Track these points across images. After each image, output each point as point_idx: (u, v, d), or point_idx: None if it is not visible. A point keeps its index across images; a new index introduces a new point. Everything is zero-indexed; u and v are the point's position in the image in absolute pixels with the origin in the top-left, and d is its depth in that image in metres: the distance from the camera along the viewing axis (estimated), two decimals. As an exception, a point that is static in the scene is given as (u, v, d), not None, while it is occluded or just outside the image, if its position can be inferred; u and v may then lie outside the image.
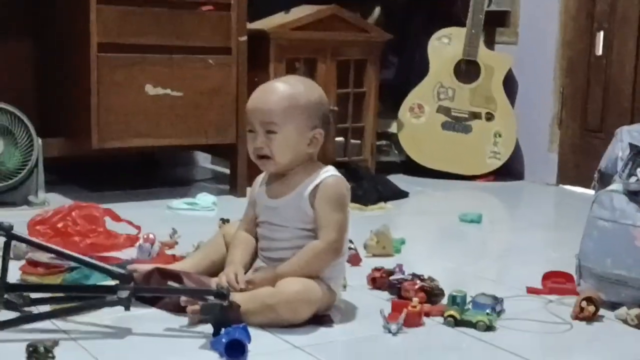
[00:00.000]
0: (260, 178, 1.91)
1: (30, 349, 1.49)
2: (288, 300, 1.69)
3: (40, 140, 2.92)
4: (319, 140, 1.81)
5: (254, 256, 1.87)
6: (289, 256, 1.78)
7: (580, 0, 3.62)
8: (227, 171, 3.32)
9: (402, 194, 3.34)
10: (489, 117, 3.82)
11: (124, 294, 1.67)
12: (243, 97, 3.08)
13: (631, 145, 2.01)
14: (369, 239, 2.39)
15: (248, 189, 1.93)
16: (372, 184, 3.26)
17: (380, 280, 2.03)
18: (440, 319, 1.81)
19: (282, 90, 1.79)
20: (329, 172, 1.81)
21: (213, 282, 1.78)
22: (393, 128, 3.97)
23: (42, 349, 1.48)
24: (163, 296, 1.81)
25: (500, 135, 3.82)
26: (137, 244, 2.26)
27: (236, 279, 1.76)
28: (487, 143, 3.82)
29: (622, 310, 1.87)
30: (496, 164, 3.82)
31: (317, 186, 1.78)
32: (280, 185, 1.83)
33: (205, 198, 2.99)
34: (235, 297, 1.69)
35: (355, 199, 3.06)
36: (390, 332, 1.73)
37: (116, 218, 2.44)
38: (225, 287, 1.68)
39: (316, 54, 3.41)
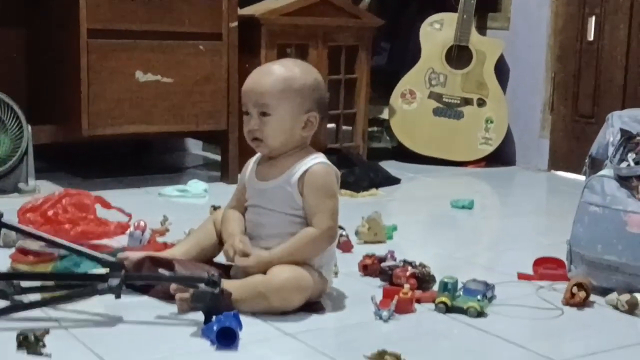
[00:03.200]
0: (252, 161, 1.90)
1: (21, 337, 1.48)
2: (279, 288, 1.69)
3: (30, 128, 2.91)
4: (314, 124, 1.81)
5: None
6: (276, 245, 1.77)
7: (572, -15, 3.62)
8: (219, 158, 3.31)
9: (394, 180, 3.34)
10: (481, 103, 3.82)
11: (114, 281, 1.67)
12: (234, 83, 3.07)
13: (622, 131, 2.01)
14: (360, 226, 2.39)
15: (239, 175, 1.93)
16: (363, 170, 3.26)
17: (371, 267, 2.04)
18: (432, 306, 1.81)
19: (278, 72, 1.78)
20: (318, 159, 1.80)
21: (207, 268, 1.79)
22: (385, 114, 3.96)
23: (32, 337, 1.48)
24: (154, 284, 1.81)
25: (491, 121, 3.81)
26: (128, 231, 2.26)
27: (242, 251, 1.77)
28: (479, 129, 3.82)
29: (613, 296, 1.88)
30: (488, 149, 3.82)
31: (305, 173, 1.77)
32: (270, 168, 1.82)
33: (196, 185, 2.98)
34: (227, 284, 1.69)
35: (347, 185, 3.06)
36: (381, 318, 1.73)
37: (107, 205, 2.44)
38: (217, 276, 1.68)
39: (307, 39, 3.39)
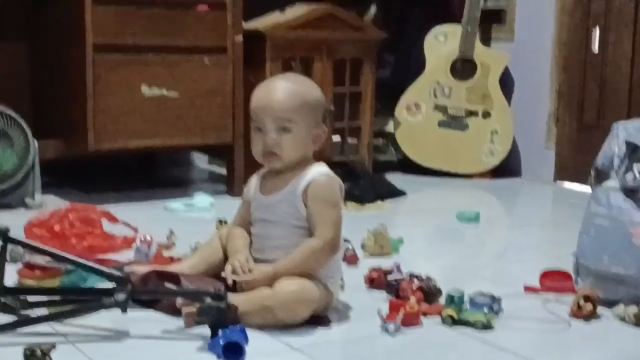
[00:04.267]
0: (254, 177, 1.90)
1: (28, 352, 1.48)
2: (285, 301, 1.69)
3: (36, 142, 2.92)
4: (322, 138, 1.83)
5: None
6: (282, 257, 1.77)
7: (576, -3, 3.63)
8: (224, 171, 3.32)
9: (400, 193, 3.34)
10: (486, 114, 3.82)
11: (121, 296, 1.67)
12: (239, 96, 3.08)
13: (627, 143, 2.01)
14: (366, 239, 2.39)
15: (245, 189, 1.93)
16: (369, 183, 3.26)
17: (377, 280, 2.03)
18: (438, 319, 1.81)
19: (292, 87, 1.79)
20: (321, 170, 1.81)
21: (212, 282, 1.79)
22: (390, 127, 3.96)
23: (39, 352, 1.48)
24: (160, 298, 1.81)
25: (497, 133, 3.81)
26: (134, 245, 2.26)
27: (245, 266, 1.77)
28: (484, 141, 3.82)
29: (620, 308, 1.87)
30: (493, 161, 3.82)
31: (309, 184, 1.78)
32: (274, 182, 1.83)
33: (202, 199, 2.98)
34: (233, 298, 1.69)
35: (353, 198, 3.06)
36: (388, 332, 1.72)
37: (113, 220, 2.44)
38: (223, 290, 1.68)
39: (312, 53, 3.40)
